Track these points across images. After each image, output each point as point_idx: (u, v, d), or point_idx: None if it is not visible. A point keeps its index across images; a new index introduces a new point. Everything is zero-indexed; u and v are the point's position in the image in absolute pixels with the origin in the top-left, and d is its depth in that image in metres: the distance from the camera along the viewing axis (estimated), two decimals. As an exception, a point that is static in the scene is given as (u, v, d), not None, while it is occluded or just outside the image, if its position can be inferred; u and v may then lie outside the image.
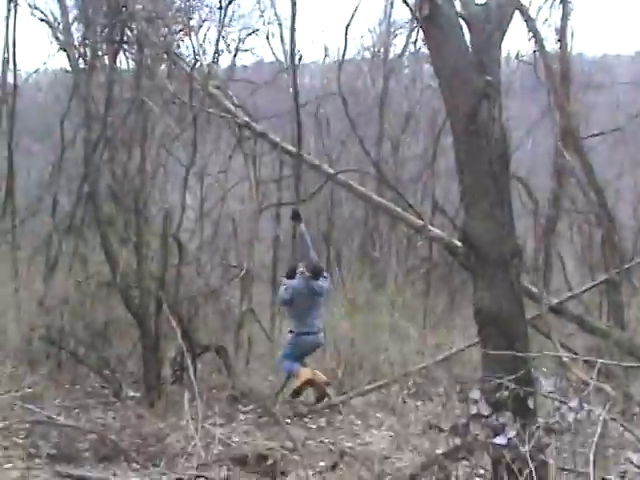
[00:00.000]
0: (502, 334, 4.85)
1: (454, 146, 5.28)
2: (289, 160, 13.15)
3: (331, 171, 11.00)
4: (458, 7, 5.21)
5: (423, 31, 5.35)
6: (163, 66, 10.71)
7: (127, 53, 10.70)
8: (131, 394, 9.60)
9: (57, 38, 10.47)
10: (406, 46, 16.84)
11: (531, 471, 4.25)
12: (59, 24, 10.46)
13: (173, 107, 10.47)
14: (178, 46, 10.59)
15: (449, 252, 10.24)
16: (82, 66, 10.17)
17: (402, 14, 17.54)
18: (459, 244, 7.60)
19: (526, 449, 4.30)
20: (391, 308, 11.58)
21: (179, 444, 7.43)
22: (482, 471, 5.31)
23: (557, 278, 12.78)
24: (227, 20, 10.96)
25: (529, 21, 7.81)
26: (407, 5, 6.22)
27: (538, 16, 8.88)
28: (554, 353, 6.21)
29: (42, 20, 10.64)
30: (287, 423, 8.38)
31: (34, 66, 14.17)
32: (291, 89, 10.90)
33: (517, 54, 13.43)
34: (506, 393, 4.53)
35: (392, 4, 16.79)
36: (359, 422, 8.68)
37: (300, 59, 11.57)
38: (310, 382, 8.47)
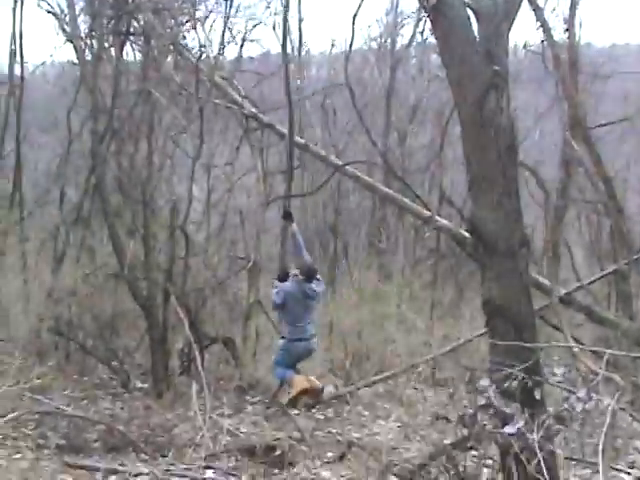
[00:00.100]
0: (510, 324, 4.84)
1: (462, 136, 5.26)
2: (296, 151, 13.14)
3: (338, 162, 10.97)
4: (466, -3, 5.18)
5: (430, 21, 5.32)
6: (169, 58, 10.70)
7: (133, 45, 10.71)
8: (139, 385, 9.65)
9: (64, 30, 10.45)
10: (413, 36, 16.81)
11: (539, 461, 4.24)
12: (66, 16, 10.44)
13: (180, 98, 10.46)
14: (184, 37, 10.58)
15: (457, 243, 10.22)
16: (89, 58, 10.18)
17: (409, 4, 17.55)
18: (467, 235, 7.61)
19: (534, 439, 4.29)
20: (398, 299, 11.56)
21: (187, 435, 7.47)
22: (490, 461, 5.31)
23: (565, 268, 12.75)
24: (233, 11, 10.94)
25: (537, 10, 7.76)
26: (414, -5, 6.19)
27: (546, 5, 8.85)
28: (563, 343, 6.19)
29: (49, 12, 10.62)
30: (295, 414, 8.40)
31: (41, 58, 14.19)
32: (296, 81, 10.79)
33: (525, 44, 13.38)
34: (514, 383, 4.52)
35: (399, -6, 16.74)
36: (367, 413, 8.70)
37: (306, 50, 11.57)
38: (305, 391, 8.06)
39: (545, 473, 4.22)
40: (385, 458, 6.03)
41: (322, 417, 8.69)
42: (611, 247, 11.31)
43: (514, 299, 4.90)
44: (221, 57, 11.18)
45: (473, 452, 5.40)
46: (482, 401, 4.56)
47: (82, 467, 6.53)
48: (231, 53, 12.53)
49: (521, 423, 4.41)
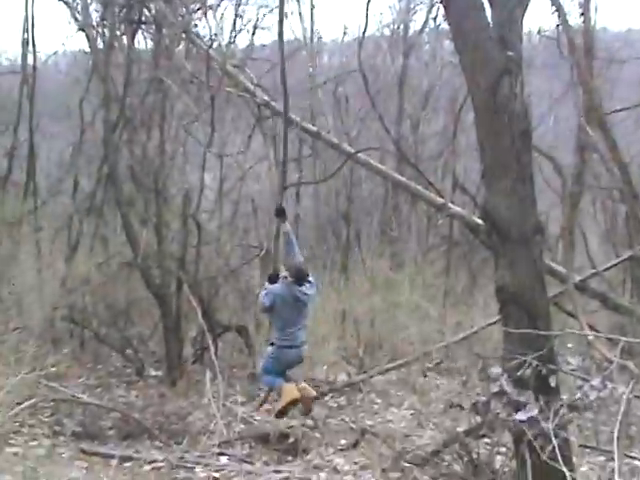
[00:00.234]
0: (524, 312, 4.82)
1: (475, 123, 5.23)
2: (309, 139, 13.10)
3: (350, 150, 10.92)
4: (479, -18, 5.13)
5: (443, 7, 5.28)
6: (181, 46, 10.67)
7: (145, 33, 10.69)
8: (153, 373, 9.70)
9: (76, 19, 10.46)
10: (426, 22, 16.66)
11: (554, 448, 4.23)
12: (77, 5, 10.45)
13: (191, 87, 10.45)
14: (196, 25, 10.55)
15: (470, 230, 10.19)
16: (101, 46, 10.18)
17: (422, -10, 17.30)
18: (480, 222, 7.59)
19: (548, 427, 4.27)
20: (411, 287, 11.53)
21: (201, 422, 7.51)
22: (503, 449, 5.31)
23: (580, 255, 12.68)
24: (244, -1, 10.89)
25: (552, -5, 7.68)
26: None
27: (561, -10, 8.73)
28: (577, 331, 6.16)
29: (61, 1, 10.63)
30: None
31: (53, 48, 14.21)
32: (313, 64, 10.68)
33: (539, 29, 13.24)
34: (528, 371, 4.50)
35: (412, -20, 16.60)
36: (380, 400, 8.70)
37: (318, 37, 11.48)
38: (295, 401, 7.21)
39: (559, 460, 4.20)
40: (398, 445, 6.04)
41: (335, 405, 8.71)
42: (626, 233, 11.21)
43: (528, 286, 4.88)
44: (233, 45, 11.16)
45: (486, 439, 5.41)
46: (495, 389, 4.55)
47: (97, 454, 6.59)
48: (243, 41, 12.48)
49: (535, 411, 4.40)
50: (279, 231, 8.18)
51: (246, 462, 6.54)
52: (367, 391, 8.97)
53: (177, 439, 7.10)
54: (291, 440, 7.09)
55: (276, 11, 11.22)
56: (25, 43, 11.93)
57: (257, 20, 11.53)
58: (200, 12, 10.46)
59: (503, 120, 4.92)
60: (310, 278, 7.40)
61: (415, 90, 16.31)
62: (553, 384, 4.60)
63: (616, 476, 3.84)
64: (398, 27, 16.79)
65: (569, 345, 9.16)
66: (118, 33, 10.11)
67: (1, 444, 5.61)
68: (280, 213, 7.84)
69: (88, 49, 10.84)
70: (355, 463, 6.21)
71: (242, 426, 7.44)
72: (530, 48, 14.03)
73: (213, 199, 12.63)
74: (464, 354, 8.62)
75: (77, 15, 10.43)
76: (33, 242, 10.78)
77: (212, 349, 8.71)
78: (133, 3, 9.79)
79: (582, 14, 7.69)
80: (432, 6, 15.77)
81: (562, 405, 4.43)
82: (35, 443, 6.48)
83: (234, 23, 10.69)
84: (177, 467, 6.25)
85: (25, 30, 11.84)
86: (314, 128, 11.26)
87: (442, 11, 5.31)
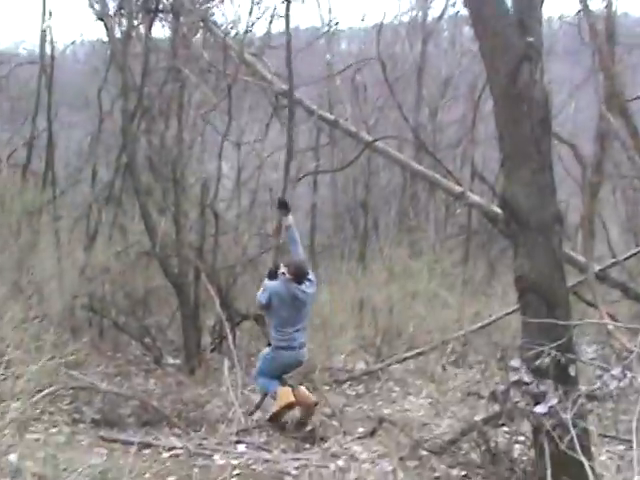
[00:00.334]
0: (543, 301, 4.78)
1: (494, 110, 5.18)
2: (326, 127, 13.08)
3: (368, 138, 10.90)
4: (498, -34, 5.07)
5: (462, -8, 5.23)
6: (199, 34, 10.68)
7: (163, 22, 10.70)
8: (171, 362, 9.75)
9: (93, 8, 10.47)
10: (445, 9, 16.56)
11: (572, 438, 4.21)
12: (95, -6, 10.46)
13: (209, 76, 10.45)
14: (213, 14, 10.55)
15: (488, 219, 10.14)
16: (118, 36, 10.20)
17: (440, -24, 17.21)
18: (499, 211, 7.53)
19: (567, 416, 4.25)
20: (429, 276, 11.50)
21: (219, 410, 7.54)
22: (522, 438, 5.28)
23: (600, 244, 12.58)
24: (261, -14, 10.84)
25: (572, -20, 7.62)
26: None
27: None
28: (597, 320, 6.11)
29: (78, -10, 10.65)
30: (325, 390, 8.42)
31: (71, 37, 14.26)
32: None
33: (560, 15, 13.12)
34: (547, 360, 4.48)
35: (431, -34, 16.49)
36: (397, 389, 8.70)
37: (336, 24, 11.42)
38: (290, 405, 6.92)
39: (578, 450, 4.18)
40: (416, 434, 6.03)
41: (353, 393, 8.72)
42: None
43: (547, 275, 4.84)
44: (250, 33, 11.13)
45: (505, 428, 5.39)
46: (514, 378, 4.53)
47: (116, 441, 6.62)
48: (260, 29, 12.42)
49: (554, 401, 4.37)
50: (281, 225, 7.74)
51: (264, 450, 6.55)
52: (385, 380, 8.97)
53: (195, 427, 7.13)
54: (309, 428, 7.09)
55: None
56: (43, 33, 11.97)
57: (274, 8, 11.48)
58: (217, 0, 10.46)
59: (522, 108, 4.87)
60: (310, 276, 7.01)
61: (434, 78, 16.25)
62: (572, 374, 4.58)
63: (635, 465, 3.82)
64: (417, 14, 16.73)
65: (588, 335, 9.12)
66: (136, 22, 10.12)
67: (22, 431, 5.65)
68: (282, 205, 7.39)
69: (106, 38, 10.87)
70: (373, 451, 6.21)
71: (260, 414, 7.45)
72: (550, 34, 13.94)
73: (231, 188, 12.65)
74: (482, 343, 8.60)
75: (95, 4, 10.44)
76: (52, 231, 10.84)
77: (230, 338, 8.74)
78: (150, -8, 9.80)
79: (604, -1, 7.61)
80: (451, -8, 15.67)
81: (580, 395, 4.40)
82: (55, 430, 6.52)
83: (251, 11, 10.64)
84: (196, 454, 6.27)
85: (43, 20, 11.89)
86: (332, 116, 11.25)
87: (461, -2, 5.28)
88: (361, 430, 7.00)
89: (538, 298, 4.80)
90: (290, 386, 7.19)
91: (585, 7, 6.90)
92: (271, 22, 11.65)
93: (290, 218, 7.27)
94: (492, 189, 10.48)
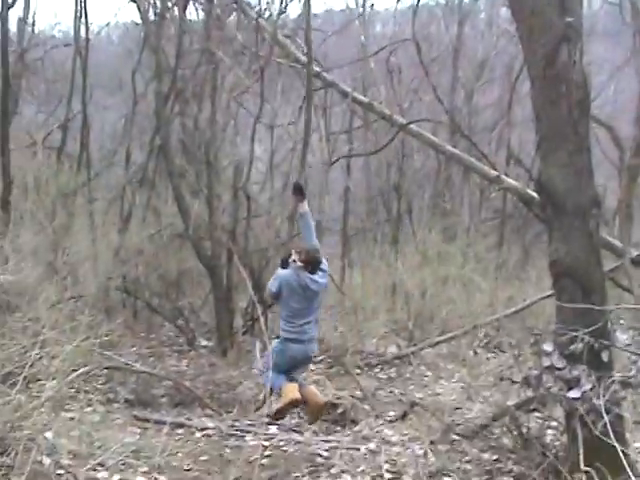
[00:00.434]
0: (578, 286, 4.71)
1: (531, 92, 5.09)
2: (360, 111, 13.00)
3: (403, 121, 10.80)
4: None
5: (499, -29, 5.14)
6: (232, 16, 10.65)
7: (196, 4, 10.70)
8: (204, 343, 9.82)
9: (127, -10, 10.51)
10: (482, -11, 16.35)
11: (606, 424, 4.15)
12: (130, -24, 10.50)
13: (242, 58, 10.44)
14: (247, -5, 10.52)
15: (524, 203, 10.01)
16: (152, 18, 10.22)
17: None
18: (534, 194, 7.44)
19: (601, 402, 4.20)
20: (462, 260, 11.42)
21: (251, 392, 7.58)
22: (554, 423, 5.23)
23: (638, 229, 12.37)
24: (296, -33, 10.79)
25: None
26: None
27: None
28: (633, 306, 6.02)
29: (113, -28, 10.69)
30: (357, 373, 8.43)
31: (106, 19, 14.35)
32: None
33: (602, -4, 12.87)
34: (581, 346, 4.42)
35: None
36: (429, 373, 8.67)
37: (371, 6, 11.31)
38: (295, 402, 6.39)
39: (611, 436, 4.13)
40: (447, 418, 6.00)
41: (385, 377, 8.71)
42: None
43: (583, 260, 4.76)
44: (284, 15, 11.09)
45: (537, 414, 5.34)
46: (547, 363, 4.47)
47: (150, 420, 6.70)
48: (294, 11, 12.38)
49: (588, 386, 4.32)
50: (296, 211, 7.18)
51: (295, 432, 6.58)
52: (417, 364, 8.95)
53: (227, 407, 7.19)
54: (340, 411, 7.10)
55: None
56: (78, 15, 12.06)
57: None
58: (251, -18, 10.42)
59: (560, 89, 4.78)
60: (323, 266, 6.51)
61: (470, 59, 16.06)
62: (605, 359, 4.51)
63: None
64: (453, -6, 16.49)
65: (624, 321, 8.98)
66: (169, 4, 10.13)
67: (57, 409, 5.73)
68: (298, 191, 6.80)
69: (140, 20, 10.92)
70: (404, 434, 6.20)
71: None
72: (591, 14, 13.69)
73: (264, 171, 12.65)
74: (516, 328, 8.52)
75: (129, -13, 10.47)
76: (87, 213, 10.97)
77: (262, 320, 8.75)
78: (184, -26, 9.80)
79: (645, -22, 7.44)
80: (488, -27, 15.44)
81: (614, 381, 4.33)
82: (90, 409, 6.60)
83: (284, -7, 10.59)
84: (228, 435, 6.32)
85: (78, 2, 11.96)
86: (366, 99, 11.16)
87: (498, -23, 5.20)
88: (392, 413, 7.00)
89: (573, 283, 4.72)
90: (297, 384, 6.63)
91: (626, -14, 6.76)
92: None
93: (305, 204, 6.70)
94: (528, 172, 10.33)
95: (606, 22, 14.43)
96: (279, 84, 11.44)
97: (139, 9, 10.15)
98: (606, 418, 4.17)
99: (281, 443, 6.22)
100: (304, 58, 10.57)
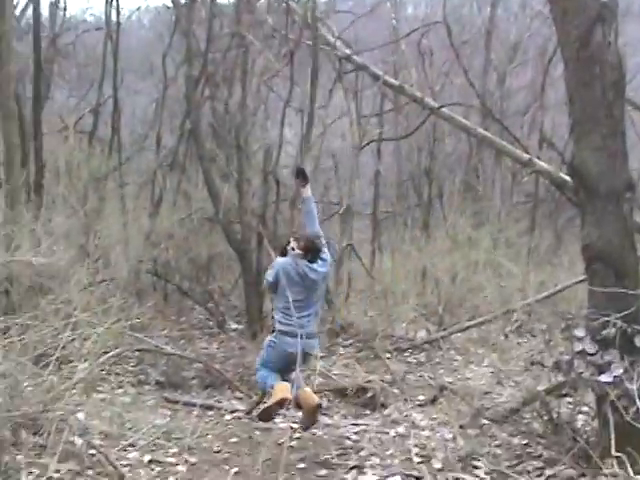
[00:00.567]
0: (610, 270, 4.65)
1: (565, 75, 5.01)
2: (390, 94, 12.91)
3: (434, 104, 10.70)
4: None
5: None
6: (263, -1, 10.63)
7: (227, -13, 10.68)
8: (234, 326, 9.89)
9: (158, -26, 10.53)
10: (516, -30, 16.08)
11: (638, 409, 4.11)
12: (160, -40, 10.51)
13: (273, 41, 10.41)
14: (277, -22, 10.47)
15: (556, 187, 9.90)
16: (183, 1, 10.23)
17: None
18: (567, 178, 7.34)
19: (633, 387, 4.15)
20: (493, 245, 11.33)
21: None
22: (585, 408, 5.19)
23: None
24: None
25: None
26: None
27: None
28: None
29: (143, -44, 10.70)
30: (387, 358, 8.42)
31: (137, 3, 14.41)
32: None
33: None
34: (613, 330, 4.37)
35: None
36: (459, 358, 8.64)
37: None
38: (283, 402, 5.68)
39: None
40: (477, 402, 5.98)
41: (414, 361, 8.70)
42: None
43: (616, 244, 4.69)
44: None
45: (568, 399, 5.30)
46: (579, 347, 4.43)
47: (180, 402, 6.76)
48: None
49: (620, 370, 4.28)
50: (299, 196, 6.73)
51: (324, 414, 6.59)
52: (446, 348, 8.91)
53: (256, 390, 7.21)
54: (369, 394, 7.09)
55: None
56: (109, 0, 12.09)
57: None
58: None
59: (595, 71, 4.70)
60: (324, 255, 5.96)
61: (502, 42, 15.82)
62: (638, 344, 4.45)
63: None
64: (486, -24, 16.23)
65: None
66: (200, -12, 10.13)
67: (89, 391, 5.82)
68: (300, 175, 6.34)
69: (170, 4, 10.92)
70: (433, 419, 6.19)
71: (321, 380, 7.48)
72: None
73: (294, 155, 12.64)
74: (547, 313, 8.44)
75: (160, -30, 10.49)
76: (118, 197, 11.06)
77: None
78: (214, -43, 9.78)
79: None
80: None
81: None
82: (121, 391, 6.70)
83: (315, -25, 10.51)
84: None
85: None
86: (397, 82, 11.07)
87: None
88: (422, 398, 6.99)
89: (606, 267, 4.66)
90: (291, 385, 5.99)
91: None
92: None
93: (308, 189, 6.21)
94: (561, 156, 10.18)
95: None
96: (309, 67, 11.40)
97: (170, -7, 10.17)
98: (638, 403, 4.14)
99: (310, 426, 6.25)
100: (334, 41, 10.52)
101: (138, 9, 14.38)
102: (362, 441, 5.77)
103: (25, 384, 4.99)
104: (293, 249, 5.90)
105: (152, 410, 6.52)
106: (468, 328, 9.23)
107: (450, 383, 7.24)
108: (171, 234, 10.12)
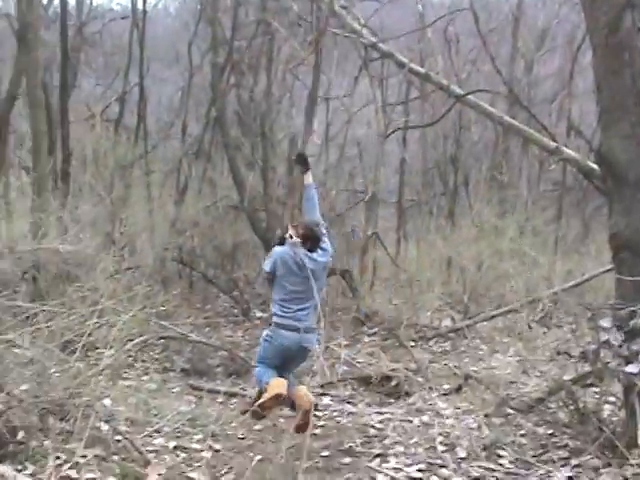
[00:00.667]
0: (638, 259, 4.59)
1: (593, 62, 4.95)
2: (416, 81, 12.82)
3: (460, 92, 10.60)
4: None
5: None
6: (288, -13, 10.57)
7: (252, -25, 10.64)
8: (258, 314, 9.91)
9: (184, -38, 10.53)
10: (543, -44, 15.88)
11: (665, 400, 4.08)
12: (186, -52, 10.51)
13: (298, 29, 10.38)
14: (302, -35, 10.41)
15: (584, 175, 9.76)
16: (208, -11, 10.22)
17: None
18: (595, 166, 7.25)
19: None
20: (519, 234, 11.23)
21: (305, 363, 7.61)
22: (612, 398, 5.14)
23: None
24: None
25: None
26: None
27: None
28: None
29: (169, -56, 10.72)
30: (411, 346, 8.40)
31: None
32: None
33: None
34: (640, 320, 4.32)
35: None
36: (484, 347, 8.59)
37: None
38: (278, 398, 5.27)
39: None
40: (502, 391, 5.95)
41: (439, 350, 8.67)
42: None
43: (644, 233, 4.63)
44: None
45: (594, 388, 5.26)
46: (605, 337, 4.38)
47: (205, 389, 6.80)
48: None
49: (647, 361, 4.23)
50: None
51: (349, 403, 6.60)
52: (472, 337, 8.87)
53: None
54: (394, 383, 7.08)
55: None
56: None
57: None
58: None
59: (624, 58, 4.63)
60: (324, 244, 5.58)
61: (530, 29, 15.64)
62: (667, 334, 4.40)
63: None
64: (513, -40, 16.03)
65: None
66: (225, -24, 10.12)
67: (115, 377, 5.87)
68: (301, 160, 6.05)
69: (196, -8, 10.91)
70: (457, 407, 6.17)
71: (345, 368, 7.50)
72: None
73: (319, 143, 12.62)
74: (573, 303, 8.37)
75: (186, -42, 10.49)
76: (144, 185, 11.12)
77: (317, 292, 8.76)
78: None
79: None
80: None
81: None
82: (147, 377, 6.76)
83: (341, -38, 10.45)
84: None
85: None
86: (422, 69, 10.97)
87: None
88: (446, 386, 6.96)
89: (633, 256, 4.61)
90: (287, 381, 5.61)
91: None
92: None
93: (309, 175, 5.91)
94: (588, 144, 10.07)
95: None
96: (335, 55, 11.35)
97: (195, -19, 10.17)
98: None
99: (334, 414, 6.27)
100: (360, 28, 10.45)
101: (164, -3, 14.41)
102: (386, 429, 5.77)
103: (52, 370, 5.05)
104: (291, 237, 5.55)
105: (177, 397, 6.56)
106: (493, 317, 9.17)
107: (475, 372, 7.20)
108: (196, 222, 10.16)
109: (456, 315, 9.73)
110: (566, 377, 5.22)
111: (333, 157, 12.87)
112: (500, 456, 4.92)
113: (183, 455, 5.13)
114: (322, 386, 6.94)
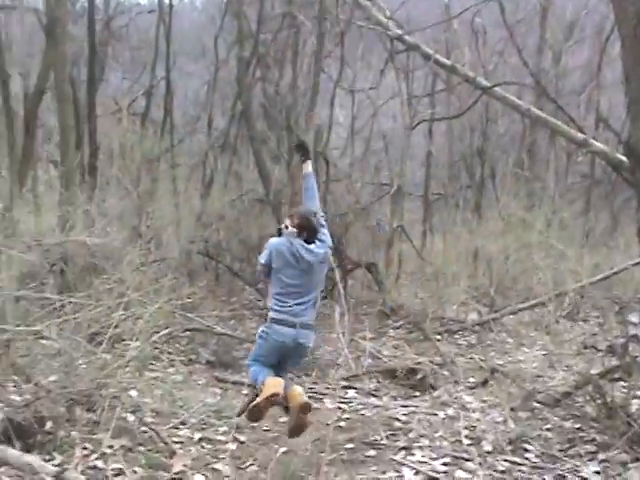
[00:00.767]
0: (668, 252, 4.54)
1: (621, 53, 4.88)
2: (442, 73, 12.75)
3: (487, 84, 10.52)
4: None
5: None
6: (313, -21, 10.55)
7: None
8: (284, 307, 9.89)
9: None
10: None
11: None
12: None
13: (324, 22, 10.34)
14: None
15: (612, 167, 9.66)
16: (234, -18, 10.22)
17: None
18: (624, 158, 7.16)
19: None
20: (547, 227, 11.13)
21: (330, 356, 7.63)
22: (640, 392, 5.09)
23: None
24: None
25: None
26: None
27: None
28: None
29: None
30: (437, 339, 8.37)
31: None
32: None
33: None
34: (670, 314, 4.27)
35: None
36: (510, 340, 8.53)
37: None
38: (274, 397, 4.85)
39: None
40: (528, 385, 5.90)
41: (465, 343, 8.63)
42: None
43: (674, 225, 4.58)
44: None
45: (622, 383, 5.19)
46: (634, 331, 4.33)
47: (229, 382, 6.83)
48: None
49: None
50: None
51: (374, 396, 6.60)
52: (498, 331, 8.82)
53: (306, 371, 7.25)
54: (419, 376, 7.07)
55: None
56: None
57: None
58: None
59: (653, 48, 4.56)
60: (322, 236, 5.17)
61: (558, 20, 15.47)
62: (697, 329, 4.34)
63: None
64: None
65: None
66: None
67: (141, 369, 5.91)
68: (301, 149, 5.73)
69: (222, -14, 10.93)
70: (483, 401, 6.14)
71: (370, 361, 7.49)
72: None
73: (345, 136, 12.61)
74: (601, 296, 8.29)
75: (211, -48, 10.51)
76: (170, 179, 11.18)
77: (341, 285, 8.77)
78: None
79: None
80: None
81: None
82: (172, 369, 6.80)
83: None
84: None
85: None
86: (449, 61, 10.91)
87: None
88: (472, 380, 6.93)
89: (663, 249, 4.55)
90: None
91: None
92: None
93: (309, 164, 5.57)
94: (617, 136, 9.95)
95: None
96: (360, 48, 11.34)
97: (221, -25, 10.18)
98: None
99: (359, 407, 6.26)
100: (385, 21, 10.40)
101: (190, -9, 14.45)
102: (411, 422, 5.74)
103: (79, 362, 5.10)
104: (287, 227, 5.15)
105: (203, 389, 6.60)
106: (520, 310, 9.10)
107: (501, 365, 7.16)
108: (222, 215, 10.18)
109: (482, 308, 9.68)
110: (593, 371, 5.16)
111: (359, 150, 12.85)
112: (526, 450, 4.88)
113: (208, 447, 5.16)
114: (347, 379, 6.94)
